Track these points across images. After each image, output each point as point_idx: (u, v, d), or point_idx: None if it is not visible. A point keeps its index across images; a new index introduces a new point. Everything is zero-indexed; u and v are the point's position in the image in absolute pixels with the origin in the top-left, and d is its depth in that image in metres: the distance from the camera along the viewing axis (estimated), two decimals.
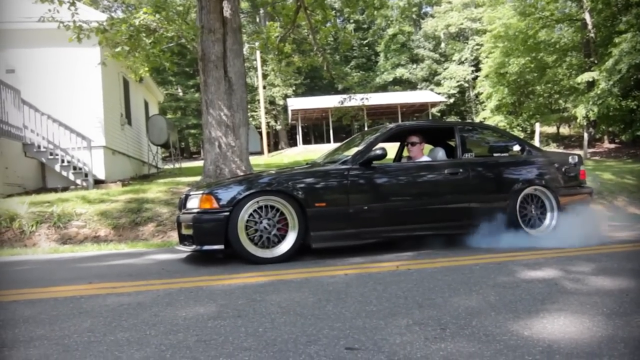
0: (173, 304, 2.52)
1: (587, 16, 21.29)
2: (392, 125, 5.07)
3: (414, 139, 4.89)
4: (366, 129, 28.24)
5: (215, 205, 3.79)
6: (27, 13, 8.88)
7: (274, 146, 36.88)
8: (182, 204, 4.27)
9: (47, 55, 10.08)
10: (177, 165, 16.30)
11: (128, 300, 2.65)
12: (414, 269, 3.36)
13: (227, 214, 3.74)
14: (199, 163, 18.71)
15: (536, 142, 18.08)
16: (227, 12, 8.05)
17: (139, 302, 2.60)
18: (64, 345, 1.90)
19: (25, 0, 8.75)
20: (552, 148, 23.90)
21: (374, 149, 4.28)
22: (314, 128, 40.82)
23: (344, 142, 5.69)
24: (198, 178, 8.96)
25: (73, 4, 7.78)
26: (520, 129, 26.42)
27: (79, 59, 10.04)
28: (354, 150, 4.55)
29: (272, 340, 1.88)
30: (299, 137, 33.28)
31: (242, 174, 7.48)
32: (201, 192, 3.96)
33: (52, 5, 7.63)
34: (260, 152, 26.69)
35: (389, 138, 4.89)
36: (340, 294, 2.66)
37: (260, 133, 28.74)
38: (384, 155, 4.20)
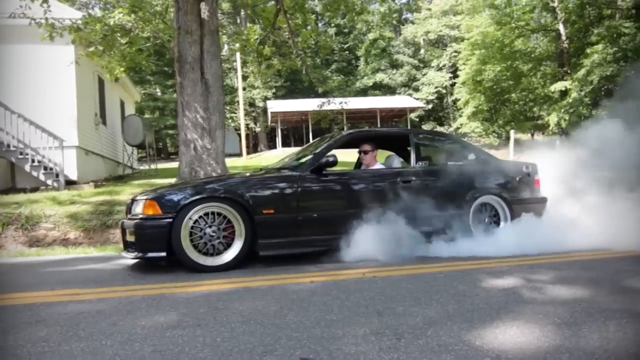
0: (133, 312, 2.50)
1: (561, 27, 21.86)
2: (345, 132, 5.05)
3: (366, 147, 4.87)
4: None
5: (159, 211, 3.72)
6: None
7: (253, 148, 36.72)
8: (129, 209, 4.15)
9: (19, 53, 9.80)
10: (153, 167, 16.08)
11: (88, 308, 2.62)
12: (380, 276, 3.40)
13: (169, 220, 3.67)
14: (176, 164, 18.47)
15: (511, 148, 18.43)
16: (204, 13, 7.99)
17: (99, 310, 2.58)
18: (15, 356, 1.87)
19: None
20: (526, 155, 24.40)
21: (326, 155, 4.23)
22: (294, 130, 40.77)
23: (303, 147, 5.61)
24: (173, 180, 8.86)
25: (45, 0, 7.62)
26: (496, 135, 26.95)
27: (52, 57, 9.80)
28: (309, 156, 4.50)
29: (228, 351, 1.90)
30: (279, 140, 33.18)
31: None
32: (145, 197, 3.88)
33: (24, 2, 7.46)
34: (239, 154, 26.55)
35: (344, 145, 4.83)
36: (303, 302, 2.68)
37: (240, 135, 28.58)
38: (334, 162, 4.17)
